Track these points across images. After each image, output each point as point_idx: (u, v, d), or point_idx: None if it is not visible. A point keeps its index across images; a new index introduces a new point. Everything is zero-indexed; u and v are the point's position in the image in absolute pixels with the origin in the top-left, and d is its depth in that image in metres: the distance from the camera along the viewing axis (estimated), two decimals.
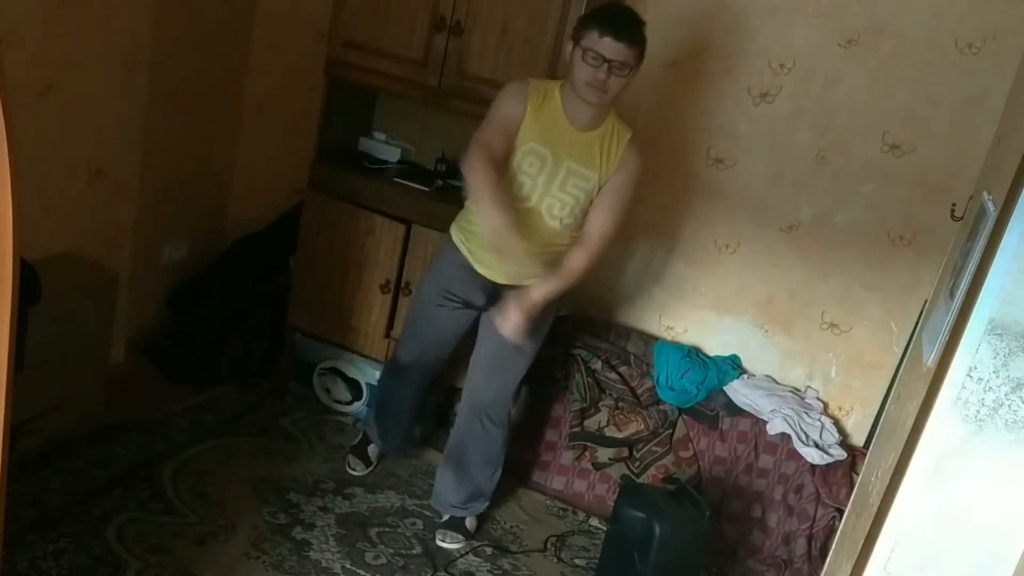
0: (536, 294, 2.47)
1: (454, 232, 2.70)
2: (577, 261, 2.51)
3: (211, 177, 3.70)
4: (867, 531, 1.81)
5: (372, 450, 3.12)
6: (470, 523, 2.94)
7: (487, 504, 2.95)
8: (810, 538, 3.04)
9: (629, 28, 2.36)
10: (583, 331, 3.32)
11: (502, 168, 2.43)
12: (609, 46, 2.32)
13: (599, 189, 2.51)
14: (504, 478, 3.27)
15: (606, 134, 2.50)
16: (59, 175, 2.90)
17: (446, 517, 2.93)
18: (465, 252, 2.64)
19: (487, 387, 2.80)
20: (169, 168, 3.40)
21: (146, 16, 3.04)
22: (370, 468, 3.09)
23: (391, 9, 3.05)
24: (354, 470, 3.07)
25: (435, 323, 2.79)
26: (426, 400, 3.14)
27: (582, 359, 3.21)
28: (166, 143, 3.33)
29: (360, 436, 3.16)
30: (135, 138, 3.17)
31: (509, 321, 2.47)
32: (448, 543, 2.87)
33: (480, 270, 2.63)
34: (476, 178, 2.34)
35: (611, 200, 2.51)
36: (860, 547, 1.83)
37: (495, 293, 2.66)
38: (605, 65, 2.33)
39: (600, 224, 2.51)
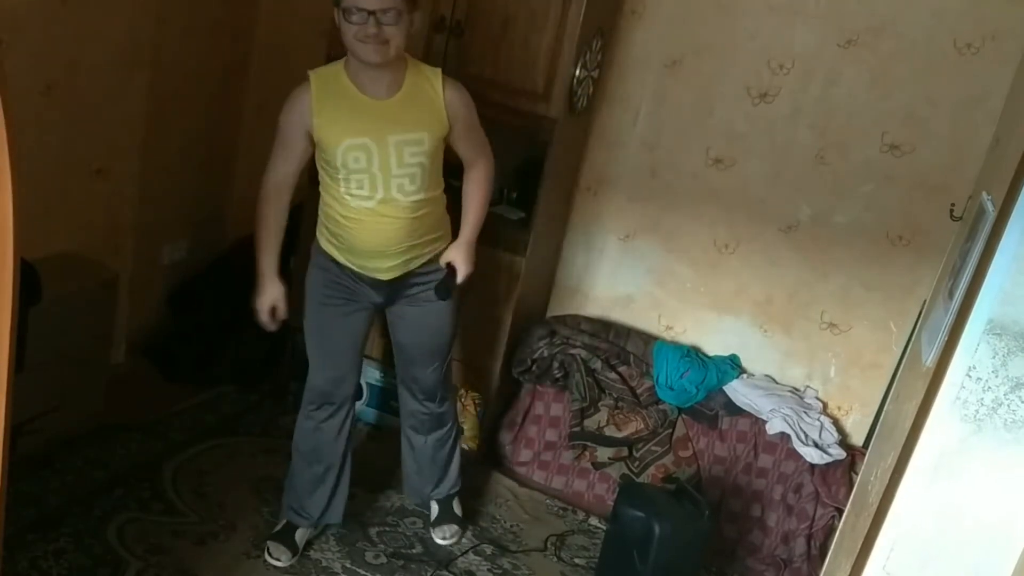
0: (465, 239, 2.54)
1: (324, 242, 2.49)
2: (480, 181, 2.55)
3: (212, 177, 3.70)
4: (866, 530, 1.81)
5: (300, 534, 2.69)
6: (458, 508, 2.94)
7: (460, 476, 2.92)
8: (809, 537, 3.05)
9: None
10: (583, 331, 3.32)
11: (294, 183, 2.44)
12: None
13: (437, 146, 2.39)
14: (504, 478, 3.28)
15: (414, 87, 2.34)
16: (60, 175, 2.91)
17: (435, 510, 2.91)
18: (343, 260, 2.47)
19: (426, 374, 2.68)
20: (170, 168, 3.40)
21: (147, 16, 3.04)
22: (296, 556, 2.65)
23: None
24: (278, 560, 2.61)
25: (339, 330, 2.56)
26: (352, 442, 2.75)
27: (582, 359, 3.21)
28: (167, 143, 3.34)
29: (282, 524, 2.71)
30: (136, 138, 3.18)
31: (461, 275, 2.53)
32: (447, 539, 2.86)
33: (369, 273, 2.47)
34: (257, 223, 2.44)
35: (471, 135, 2.48)
36: (859, 546, 1.83)
37: (392, 289, 2.52)
38: (371, 18, 2.17)
39: (480, 149, 2.52)
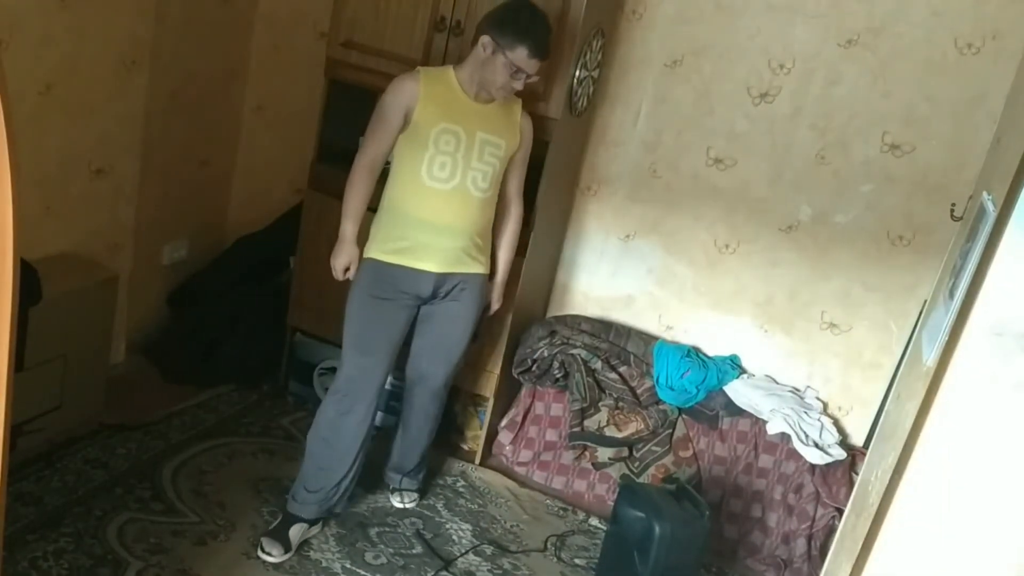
0: (500, 280, 2.91)
1: (375, 251, 2.68)
2: (515, 230, 2.91)
3: (211, 177, 3.70)
4: (867, 531, 1.81)
5: (296, 531, 2.69)
6: (420, 482, 3.11)
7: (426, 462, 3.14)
8: (810, 538, 3.05)
9: (547, 44, 2.61)
10: (583, 331, 3.32)
11: (383, 164, 2.69)
12: (535, 65, 2.59)
13: (508, 156, 2.74)
14: (504, 478, 3.29)
15: (504, 104, 2.72)
16: (59, 175, 2.90)
17: (399, 482, 3.07)
18: (399, 260, 2.65)
19: (437, 372, 2.90)
20: (169, 168, 3.40)
21: (146, 16, 3.04)
22: (288, 554, 2.65)
23: (391, 9, 3.05)
24: (269, 555, 2.62)
25: (381, 320, 2.71)
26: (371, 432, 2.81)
27: (582, 359, 3.21)
28: (166, 143, 3.33)
29: (281, 518, 2.73)
30: (135, 138, 3.17)
31: (494, 309, 2.96)
32: (405, 503, 3.03)
33: (421, 266, 2.65)
34: (348, 191, 2.67)
35: (522, 168, 2.86)
36: (860, 547, 1.83)
37: (440, 283, 2.70)
38: (523, 76, 2.59)
39: (518, 190, 2.88)
